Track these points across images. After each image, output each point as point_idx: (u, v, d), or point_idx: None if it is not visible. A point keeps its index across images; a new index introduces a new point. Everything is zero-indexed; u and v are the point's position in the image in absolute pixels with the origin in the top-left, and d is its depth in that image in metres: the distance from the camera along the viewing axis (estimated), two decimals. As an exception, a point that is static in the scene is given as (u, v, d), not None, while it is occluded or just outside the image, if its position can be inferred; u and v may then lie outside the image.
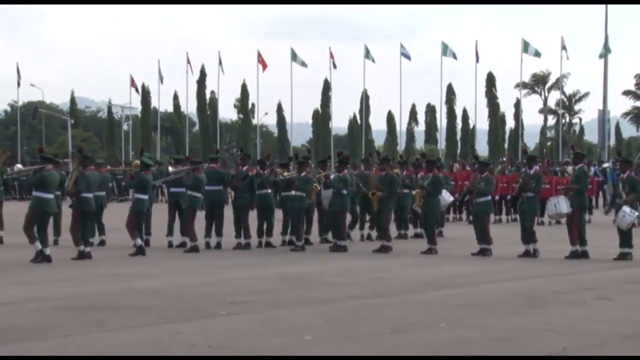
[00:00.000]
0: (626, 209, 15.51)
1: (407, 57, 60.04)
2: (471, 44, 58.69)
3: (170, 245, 17.84)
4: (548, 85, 77.18)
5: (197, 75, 69.23)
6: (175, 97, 74.27)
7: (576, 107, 78.51)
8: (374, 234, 19.52)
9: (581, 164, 16.86)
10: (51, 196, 15.13)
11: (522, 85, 65.79)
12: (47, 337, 8.26)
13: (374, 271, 13.96)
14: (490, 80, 67.83)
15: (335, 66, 61.77)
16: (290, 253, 17.08)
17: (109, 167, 26.63)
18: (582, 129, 77.09)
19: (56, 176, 15.38)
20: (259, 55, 61.33)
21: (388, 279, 13.06)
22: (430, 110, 72.11)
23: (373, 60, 60.96)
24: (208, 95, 70.98)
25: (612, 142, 65.37)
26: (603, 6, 49.92)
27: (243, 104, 73.00)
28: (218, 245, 17.70)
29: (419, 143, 74.01)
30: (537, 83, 77.62)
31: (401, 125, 69.56)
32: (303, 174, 17.70)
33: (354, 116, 71.06)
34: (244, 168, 18.35)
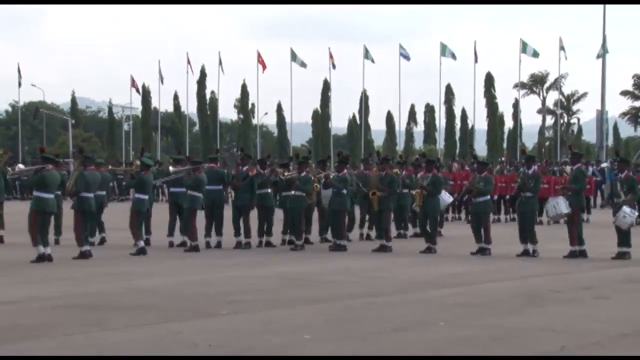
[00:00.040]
0: (626, 209, 15.54)
1: (407, 57, 60.08)
2: (470, 44, 58.74)
3: (170, 245, 17.88)
4: (546, 85, 77.20)
5: (197, 76, 69.30)
6: (176, 97, 74.30)
7: (574, 107, 78.55)
8: (373, 233, 19.57)
9: (579, 164, 16.91)
10: (51, 196, 15.17)
11: (521, 85, 65.78)
12: (48, 336, 8.29)
13: (373, 270, 14.00)
14: (489, 80, 67.86)
15: (334, 66, 61.81)
16: (290, 252, 17.12)
17: (110, 167, 26.69)
18: (580, 129, 77.11)
19: (56, 176, 15.41)
20: (259, 55, 61.42)
21: (387, 278, 13.10)
22: (429, 110, 72.13)
23: (372, 61, 60.98)
24: (208, 96, 71.00)
25: (610, 142, 65.45)
26: (601, 6, 50.03)
27: (243, 104, 73.04)
28: (218, 245, 17.74)
29: (418, 143, 74.05)
30: (536, 83, 77.62)
31: (400, 125, 69.71)
32: (303, 173, 17.76)
33: (354, 116, 71.09)
34: (245, 168, 18.41)
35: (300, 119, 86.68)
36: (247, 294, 11.14)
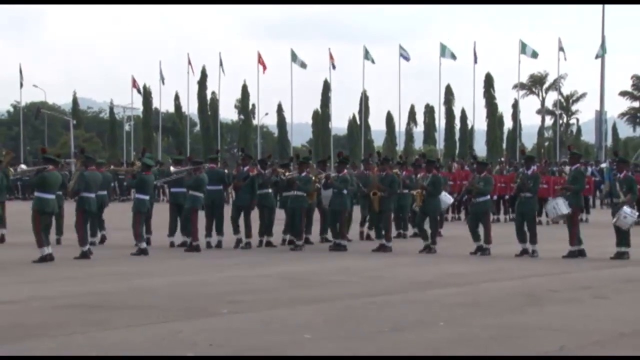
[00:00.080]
0: (627, 209, 15.57)
1: (406, 58, 60.12)
2: (469, 45, 58.80)
3: (171, 245, 17.91)
4: (545, 86, 77.16)
5: (198, 76, 69.34)
6: (177, 98, 74.33)
7: (573, 108, 78.54)
8: (373, 233, 19.59)
9: (577, 164, 16.95)
10: (52, 196, 15.21)
11: (520, 86, 65.79)
12: (49, 336, 8.30)
13: (373, 270, 14.03)
14: (489, 81, 67.87)
15: (334, 67, 61.87)
16: (290, 252, 17.14)
17: (112, 167, 26.74)
18: (579, 129, 77.11)
19: (57, 176, 15.46)
20: (259, 56, 61.50)
21: (387, 278, 13.13)
22: (429, 110, 72.13)
23: (372, 61, 61.01)
24: (209, 96, 71.03)
25: (609, 142, 65.49)
26: (600, 7, 50.05)
27: (244, 105, 73.05)
28: (219, 244, 17.78)
29: (418, 143, 74.06)
30: (535, 84, 77.60)
31: (400, 126, 69.71)
32: (303, 174, 17.80)
33: (354, 117, 71.09)
34: (245, 168, 18.45)
35: (300, 119, 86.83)
36: (247, 293, 11.17)
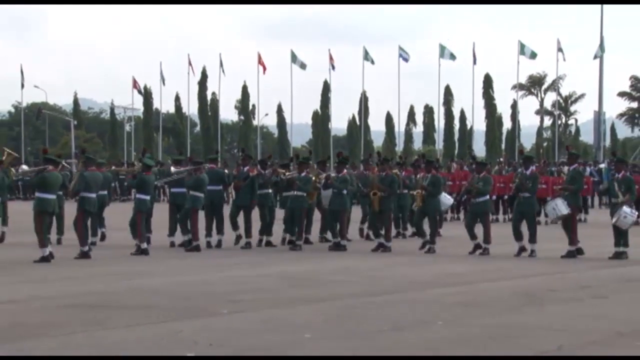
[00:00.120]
0: (626, 209, 15.60)
1: (406, 59, 60.18)
2: (469, 45, 58.90)
3: (171, 244, 17.94)
4: (544, 86, 77.26)
5: (198, 77, 69.43)
6: (177, 99, 74.41)
7: (572, 108, 78.64)
8: (372, 233, 19.61)
9: (575, 165, 16.98)
10: (52, 196, 15.25)
11: (519, 86, 65.81)
12: (49, 335, 8.32)
13: (372, 270, 14.06)
14: (488, 81, 67.86)
15: (334, 68, 61.96)
16: (290, 252, 17.18)
17: (113, 167, 26.76)
18: (577, 129, 77.20)
19: (57, 177, 15.50)
20: (259, 57, 61.57)
21: (387, 277, 13.16)
22: (429, 111, 72.16)
23: (372, 62, 61.07)
24: (209, 97, 71.10)
25: (608, 142, 65.52)
26: (599, 8, 50.08)
27: (244, 105, 73.10)
28: (219, 244, 17.82)
29: (417, 144, 74.11)
30: (534, 84, 77.68)
31: (399, 126, 69.80)
32: (303, 174, 17.84)
33: (353, 117, 71.13)
34: (245, 168, 18.50)
35: (300, 119, 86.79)
36: (247, 293, 11.19)
